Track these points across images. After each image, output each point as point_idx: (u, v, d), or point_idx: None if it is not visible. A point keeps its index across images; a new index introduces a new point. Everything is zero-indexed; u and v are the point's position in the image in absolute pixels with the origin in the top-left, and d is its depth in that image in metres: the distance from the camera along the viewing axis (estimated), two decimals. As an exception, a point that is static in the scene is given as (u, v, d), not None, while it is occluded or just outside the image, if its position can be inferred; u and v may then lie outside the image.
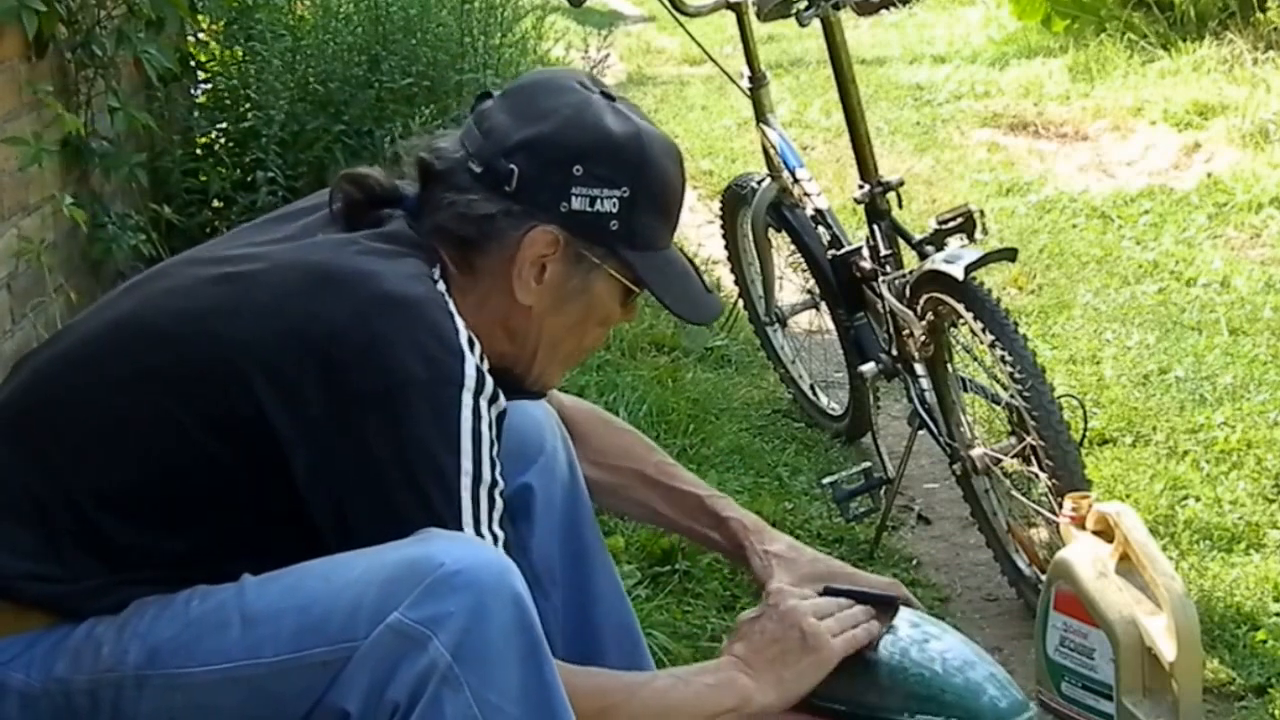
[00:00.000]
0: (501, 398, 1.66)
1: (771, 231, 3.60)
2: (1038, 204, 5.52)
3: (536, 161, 1.70)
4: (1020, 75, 7.41)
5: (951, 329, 2.90)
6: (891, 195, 3.12)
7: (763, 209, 3.53)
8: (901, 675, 1.84)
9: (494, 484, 1.62)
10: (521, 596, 1.53)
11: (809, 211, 3.37)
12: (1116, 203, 5.44)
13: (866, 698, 1.84)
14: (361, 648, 1.52)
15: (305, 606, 1.54)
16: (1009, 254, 2.83)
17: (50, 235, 3.34)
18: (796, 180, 3.39)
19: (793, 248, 3.56)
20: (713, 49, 3.80)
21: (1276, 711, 2.48)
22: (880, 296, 3.08)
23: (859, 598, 1.89)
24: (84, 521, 1.61)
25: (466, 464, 1.59)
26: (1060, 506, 2.37)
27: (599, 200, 1.71)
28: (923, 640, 1.87)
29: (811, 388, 3.78)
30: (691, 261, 1.84)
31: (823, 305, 3.57)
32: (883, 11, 3.36)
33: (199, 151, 4.46)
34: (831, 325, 3.52)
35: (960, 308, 2.75)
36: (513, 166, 1.69)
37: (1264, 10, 6.84)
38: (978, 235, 2.88)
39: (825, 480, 3.05)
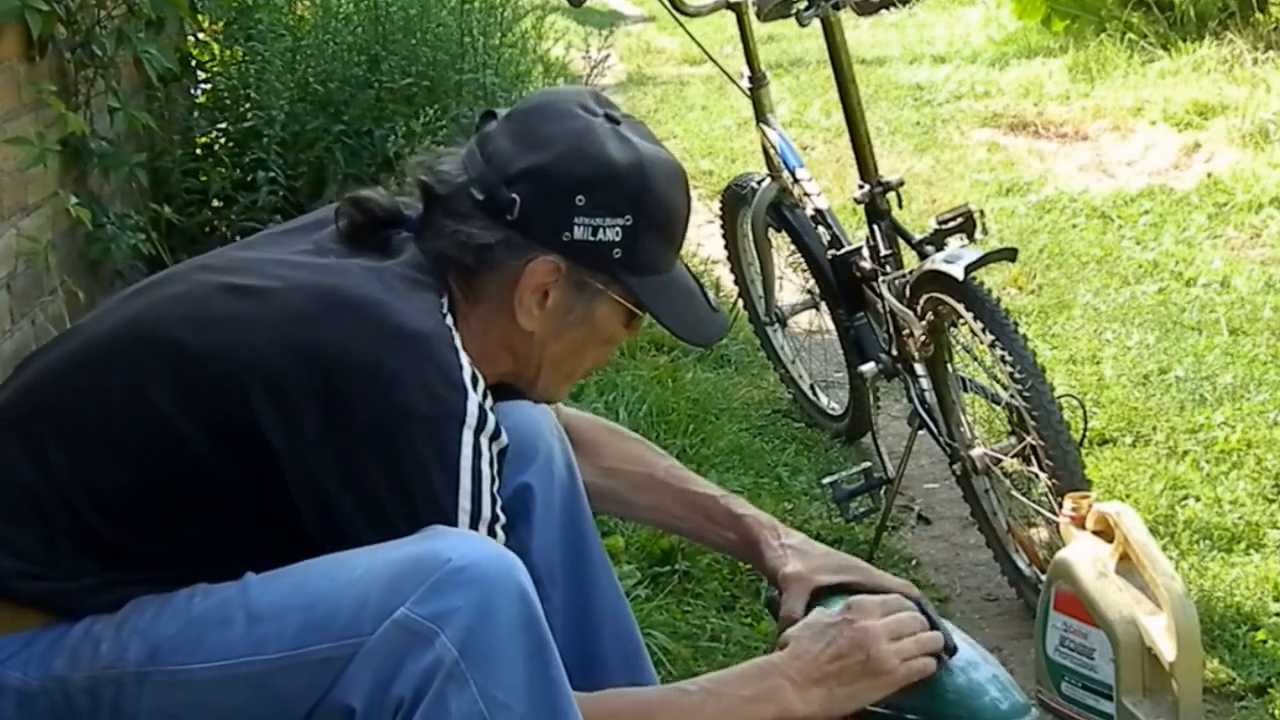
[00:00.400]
0: (504, 435, 1.66)
1: (771, 231, 3.60)
2: (1038, 204, 5.52)
3: (539, 191, 1.69)
4: (1020, 75, 7.42)
5: (951, 329, 2.90)
6: (891, 195, 3.12)
7: (763, 209, 3.53)
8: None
9: (494, 519, 1.62)
10: (528, 593, 1.54)
11: (809, 211, 3.37)
12: (1116, 203, 5.45)
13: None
14: (367, 644, 1.52)
15: (311, 603, 1.54)
16: (1009, 254, 2.83)
17: (49, 235, 3.34)
18: (796, 180, 3.39)
19: (793, 248, 3.56)
20: (713, 49, 3.80)
21: (1276, 711, 2.48)
22: (880, 296, 3.08)
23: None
24: (82, 522, 1.61)
25: (465, 502, 1.59)
26: (1060, 506, 2.37)
27: (601, 229, 1.70)
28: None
29: (811, 388, 3.78)
30: (696, 277, 1.84)
31: (823, 305, 3.57)
32: (883, 11, 3.36)
33: (199, 151, 4.46)
34: (831, 325, 3.52)
35: (960, 308, 2.75)
36: (515, 196, 1.69)
37: (1264, 10, 6.84)
38: (978, 235, 2.88)
39: (825, 480, 3.05)
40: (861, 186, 3.12)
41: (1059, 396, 2.68)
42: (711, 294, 1.91)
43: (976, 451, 2.85)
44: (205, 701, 1.56)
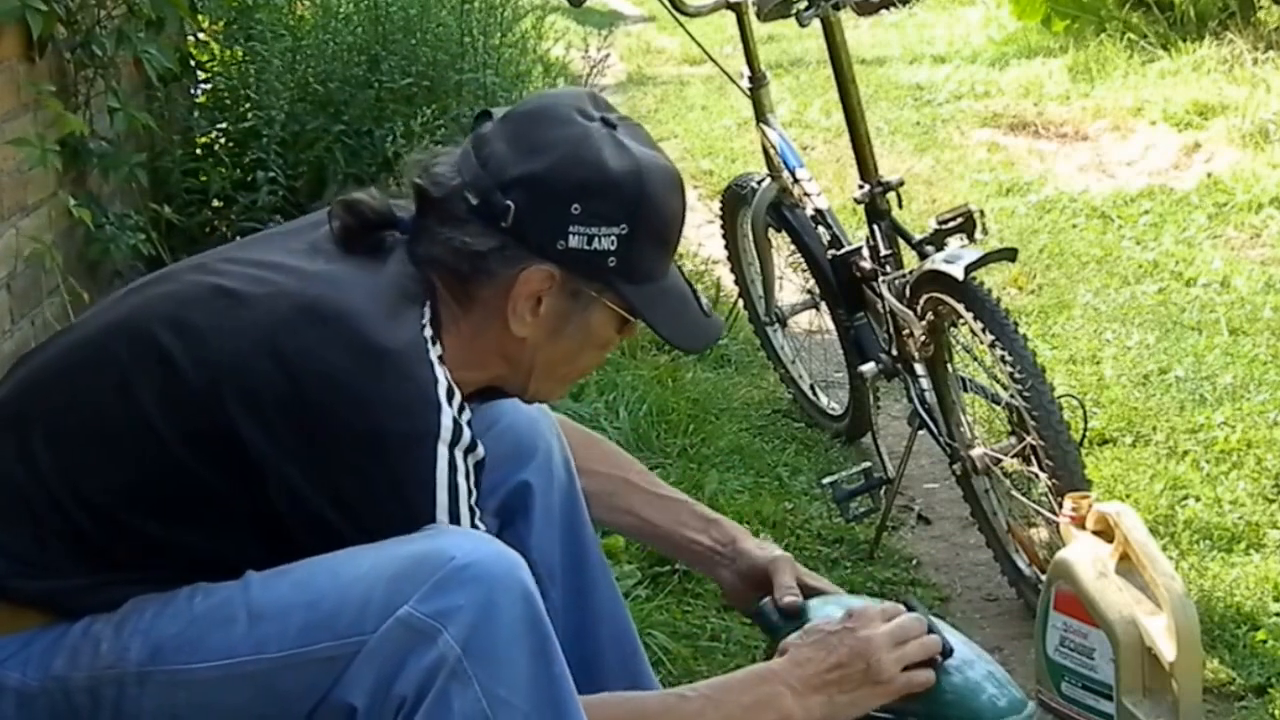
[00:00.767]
0: (480, 448, 1.65)
1: (771, 231, 3.60)
2: (1038, 204, 5.52)
3: (534, 199, 1.68)
4: (1020, 75, 7.42)
5: (951, 329, 2.90)
6: (891, 195, 3.12)
7: (763, 209, 3.53)
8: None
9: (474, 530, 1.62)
10: (531, 592, 1.54)
11: (809, 211, 3.37)
12: (1116, 203, 5.45)
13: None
14: (370, 642, 1.52)
15: (313, 602, 1.54)
16: (1009, 254, 2.83)
17: (48, 235, 3.34)
18: (796, 180, 3.39)
19: (793, 248, 3.56)
20: (713, 49, 3.80)
21: (1276, 711, 2.48)
22: (880, 296, 3.08)
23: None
24: (72, 523, 1.60)
25: (443, 515, 1.59)
26: (1060, 506, 2.37)
27: (597, 238, 1.69)
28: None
29: (811, 388, 3.78)
30: (689, 281, 1.83)
31: (823, 305, 3.57)
32: (883, 11, 3.36)
33: (199, 151, 4.46)
34: (831, 325, 3.52)
35: (960, 308, 2.75)
36: (509, 203, 1.67)
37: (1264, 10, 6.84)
38: (978, 235, 2.88)
39: (825, 480, 3.05)
40: (861, 186, 3.12)
41: (1059, 396, 2.68)
42: (707, 297, 1.91)
43: (976, 451, 2.85)
44: (207, 701, 1.56)
